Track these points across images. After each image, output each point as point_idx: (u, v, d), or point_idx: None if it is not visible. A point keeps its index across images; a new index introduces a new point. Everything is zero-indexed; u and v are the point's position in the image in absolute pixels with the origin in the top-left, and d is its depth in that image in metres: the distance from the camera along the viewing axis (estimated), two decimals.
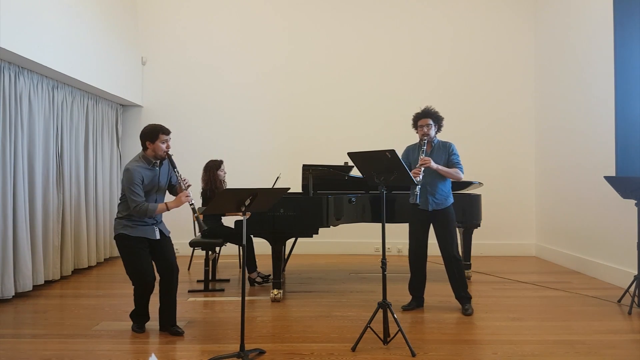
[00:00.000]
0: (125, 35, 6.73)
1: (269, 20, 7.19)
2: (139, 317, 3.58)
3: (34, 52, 4.59)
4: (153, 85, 7.17)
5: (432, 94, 7.02)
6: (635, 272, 4.13)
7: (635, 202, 4.03)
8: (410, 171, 3.71)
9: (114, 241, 3.54)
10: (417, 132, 4.06)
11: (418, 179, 3.67)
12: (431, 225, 4.06)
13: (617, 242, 4.98)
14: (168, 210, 3.39)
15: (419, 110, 4.06)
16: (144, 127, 3.47)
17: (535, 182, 7.03)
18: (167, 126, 3.51)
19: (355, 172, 4.74)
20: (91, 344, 3.32)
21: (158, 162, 3.47)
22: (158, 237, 3.48)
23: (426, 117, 3.98)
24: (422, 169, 3.75)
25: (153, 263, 3.49)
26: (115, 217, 3.51)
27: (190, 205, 3.35)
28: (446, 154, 4.00)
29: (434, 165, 3.84)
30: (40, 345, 3.30)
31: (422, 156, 3.85)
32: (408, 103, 7.04)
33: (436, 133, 4.06)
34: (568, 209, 6.04)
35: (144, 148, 3.45)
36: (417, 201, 3.91)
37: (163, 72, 7.18)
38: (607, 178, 4.30)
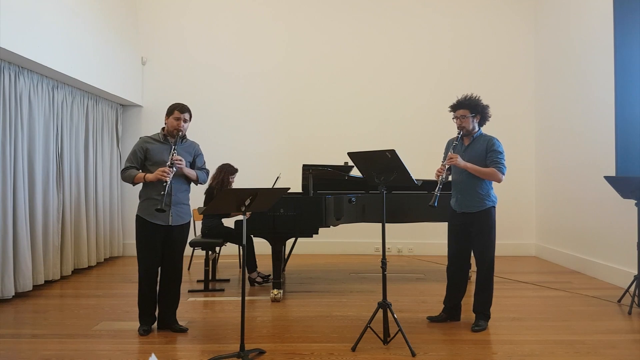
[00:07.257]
0: (125, 35, 6.73)
1: (268, 20, 7.18)
2: (142, 314, 3.52)
3: (34, 52, 4.59)
4: (153, 85, 7.16)
5: (431, 93, 7.02)
6: (635, 272, 4.13)
7: (635, 202, 4.04)
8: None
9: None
10: None
11: (441, 178, 3.39)
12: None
13: (617, 242, 4.98)
14: (146, 181, 3.40)
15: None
16: None
17: (535, 182, 7.03)
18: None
19: (355, 172, 4.73)
20: (91, 344, 3.32)
21: (174, 139, 3.49)
22: (170, 222, 3.45)
23: (460, 108, 3.54)
24: (447, 167, 3.42)
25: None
26: None
27: (164, 184, 3.29)
28: (485, 150, 3.52)
29: (461, 162, 3.44)
30: (40, 345, 3.30)
31: (451, 152, 3.50)
32: (408, 102, 7.11)
33: (479, 124, 3.62)
34: (568, 209, 6.04)
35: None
36: (435, 204, 3.28)
37: (163, 72, 7.18)
38: (607, 178, 4.30)
